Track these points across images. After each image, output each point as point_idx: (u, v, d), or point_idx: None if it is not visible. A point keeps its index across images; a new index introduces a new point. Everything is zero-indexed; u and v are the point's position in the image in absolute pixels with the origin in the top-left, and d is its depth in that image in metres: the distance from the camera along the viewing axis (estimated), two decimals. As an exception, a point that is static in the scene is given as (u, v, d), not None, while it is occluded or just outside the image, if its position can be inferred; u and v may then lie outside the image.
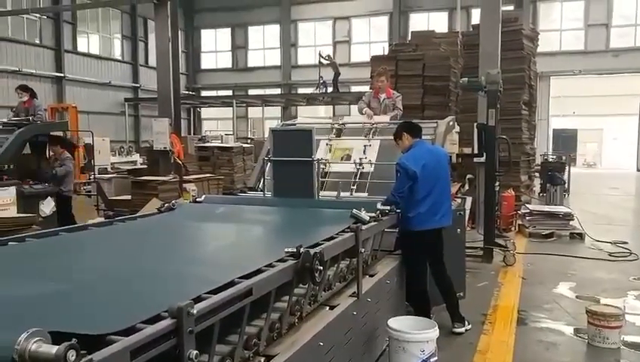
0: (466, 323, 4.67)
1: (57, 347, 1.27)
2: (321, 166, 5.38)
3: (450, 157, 5.93)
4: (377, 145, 5.55)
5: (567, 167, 15.32)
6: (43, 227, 5.91)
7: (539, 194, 14.12)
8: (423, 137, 4.80)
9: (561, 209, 9.96)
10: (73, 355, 1.28)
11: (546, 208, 10.16)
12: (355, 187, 5.37)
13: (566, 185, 14.40)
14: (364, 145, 5.63)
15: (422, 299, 4.48)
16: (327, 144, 5.75)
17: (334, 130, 6.00)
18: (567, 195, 14.23)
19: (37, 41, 22.63)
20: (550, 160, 16.21)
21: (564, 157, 16.54)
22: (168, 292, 1.97)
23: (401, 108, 6.90)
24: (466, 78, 8.00)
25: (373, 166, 5.40)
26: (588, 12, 26.29)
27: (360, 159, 5.46)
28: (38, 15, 22.04)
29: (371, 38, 29.24)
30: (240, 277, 2.16)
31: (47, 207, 7.93)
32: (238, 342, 2.04)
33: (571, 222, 9.27)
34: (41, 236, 3.06)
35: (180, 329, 1.64)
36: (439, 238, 4.62)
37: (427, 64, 11.07)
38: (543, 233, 8.98)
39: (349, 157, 5.59)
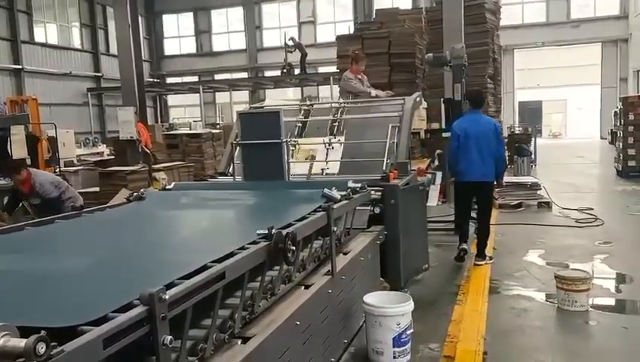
0: (487, 258, 5.93)
1: (26, 340, 1.25)
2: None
3: (419, 132, 6.14)
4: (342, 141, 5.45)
5: (533, 139, 15.62)
6: (8, 223, 5.77)
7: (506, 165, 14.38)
8: (390, 114, 4.89)
9: (528, 179, 10.17)
10: (43, 347, 1.25)
11: (514, 179, 10.36)
12: (327, 166, 5.39)
13: (533, 156, 14.70)
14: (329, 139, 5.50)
15: (461, 229, 6.16)
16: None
17: (302, 112, 5.98)
18: (534, 166, 14.55)
19: (-9, 33, 21.86)
20: (517, 132, 16.50)
21: (530, 129, 16.86)
22: (140, 279, 1.95)
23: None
24: (432, 54, 8.06)
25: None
26: (548, -16, 26.65)
27: (329, 138, 5.46)
28: (-10, 5, 21.29)
29: (336, 18, 29.11)
30: (212, 261, 2.14)
31: (13, 202, 7.72)
32: (211, 325, 2.04)
33: (539, 192, 9.48)
34: (6, 231, 2.98)
35: (153, 316, 1.63)
36: (480, 190, 5.94)
37: (393, 41, 11.10)
38: (512, 203, 9.17)
39: (313, 158, 5.41)
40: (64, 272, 2.15)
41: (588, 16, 26.26)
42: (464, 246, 6.07)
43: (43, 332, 1.28)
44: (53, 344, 1.29)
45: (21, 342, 1.26)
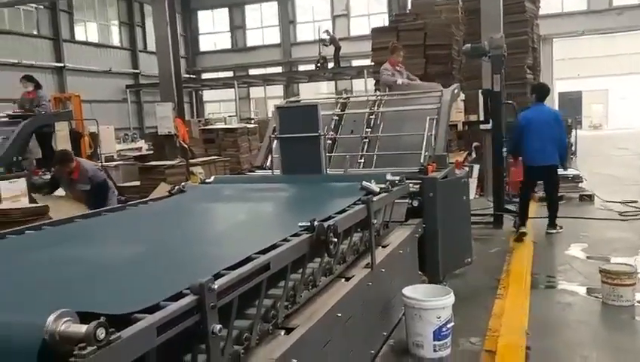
0: (558, 228, 6.79)
1: (86, 326, 1.30)
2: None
3: (456, 124, 6.10)
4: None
5: (573, 130, 15.22)
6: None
7: (546, 158, 14.04)
8: (428, 106, 4.90)
9: (569, 171, 9.92)
10: (102, 333, 1.30)
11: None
12: (362, 160, 5.38)
13: (573, 148, 14.33)
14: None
15: (523, 207, 6.89)
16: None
17: (339, 105, 5.98)
18: (574, 158, 14.18)
19: (34, 32, 22.52)
20: (556, 123, 16.07)
21: (570, 120, 16.41)
22: (189, 270, 2.00)
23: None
24: (470, 45, 7.92)
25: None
26: (589, -30, 25.83)
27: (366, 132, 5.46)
28: (34, 5, 21.90)
29: (370, 10, 28.90)
30: (257, 253, 2.18)
31: (59, 196, 7.98)
32: (256, 315, 2.08)
33: (580, 184, 9.26)
34: (56, 224, 3.09)
35: (203, 305, 1.67)
36: (545, 172, 6.72)
37: (429, 33, 10.97)
38: (553, 197, 8.95)
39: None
40: (116, 262, 2.22)
41: (631, 3, 25.36)
42: (523, 229, 6.66)
43: (102, 319, 1.33)
44: (111, 330, 1.34)
45: (82, 328, 1.31)
